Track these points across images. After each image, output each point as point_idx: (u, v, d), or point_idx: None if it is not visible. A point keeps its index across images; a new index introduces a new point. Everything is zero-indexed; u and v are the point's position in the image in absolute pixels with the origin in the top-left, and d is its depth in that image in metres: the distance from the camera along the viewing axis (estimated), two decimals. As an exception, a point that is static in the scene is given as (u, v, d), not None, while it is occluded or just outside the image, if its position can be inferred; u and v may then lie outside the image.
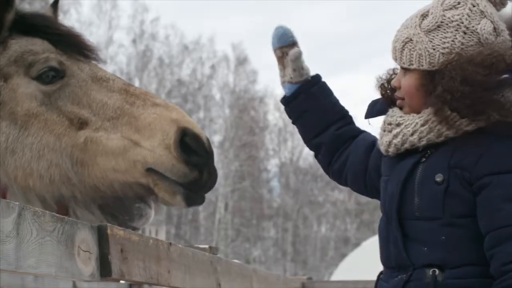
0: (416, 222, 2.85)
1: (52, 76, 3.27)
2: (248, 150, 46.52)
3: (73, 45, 3.41)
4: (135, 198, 3.29)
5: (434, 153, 2.86)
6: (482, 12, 2.86)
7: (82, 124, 3.21)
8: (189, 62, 47.92)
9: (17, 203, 2.32)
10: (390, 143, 2.94)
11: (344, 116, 3.36)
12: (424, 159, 2.88)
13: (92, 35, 42.84)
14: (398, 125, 2.93)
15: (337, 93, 3.43)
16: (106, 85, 3.30)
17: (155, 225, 32.88)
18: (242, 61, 48.66)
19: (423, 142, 2.85)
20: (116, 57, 44.86)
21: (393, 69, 3.12)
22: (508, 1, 2.98)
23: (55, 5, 3.65)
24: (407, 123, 2.90)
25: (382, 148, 3.00)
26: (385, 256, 2.97)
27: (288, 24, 3.30)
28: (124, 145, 3.15)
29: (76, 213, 3.31)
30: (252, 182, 46.52)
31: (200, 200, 3.21)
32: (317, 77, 3.36)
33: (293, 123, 3.44)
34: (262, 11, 74.89)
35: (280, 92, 3.52)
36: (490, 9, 2.89)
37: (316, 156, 3.44)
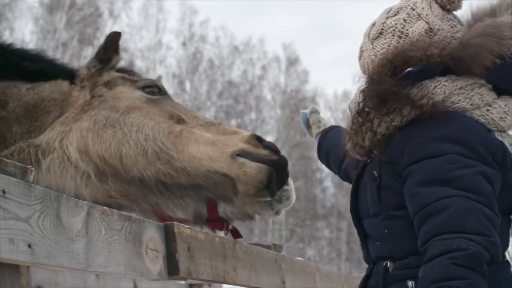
0: (368, 220, 2.99)
1: (154, 92, 3.76)
2: (300, 150, 46.38)
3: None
4: (212, 190, 3.49)
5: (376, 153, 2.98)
6: (419, 15, 3.00)
7: (179, 121, 3.63)
8: (240, 63, 48.05)
9: (85, 202, 2.31)
10: (349, 148, 3.07)
11: None
12: (369, 160, 3.01)
13: (143, 39, 43.33)
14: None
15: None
16: (191, 112, 3.77)
17: (210, 226, 33.10)
18: (293, 61, 48.63)
19: (367, 142, 2.93)
20: (165, 60, 45.25)
21: None
22: (462, 1, 3.04)
23: (115, 38, 3.87)
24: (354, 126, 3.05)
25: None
26: (363, 256, 3.11)
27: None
28: (213, 139, 3.52)
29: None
30: (306, 182, 46.37)
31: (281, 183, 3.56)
32: (329, 128, 3.89)
33: (326, 163, 3.94)
34: (312, 11, 74.86)
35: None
36: (428, 11, 3.00)
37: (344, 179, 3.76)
